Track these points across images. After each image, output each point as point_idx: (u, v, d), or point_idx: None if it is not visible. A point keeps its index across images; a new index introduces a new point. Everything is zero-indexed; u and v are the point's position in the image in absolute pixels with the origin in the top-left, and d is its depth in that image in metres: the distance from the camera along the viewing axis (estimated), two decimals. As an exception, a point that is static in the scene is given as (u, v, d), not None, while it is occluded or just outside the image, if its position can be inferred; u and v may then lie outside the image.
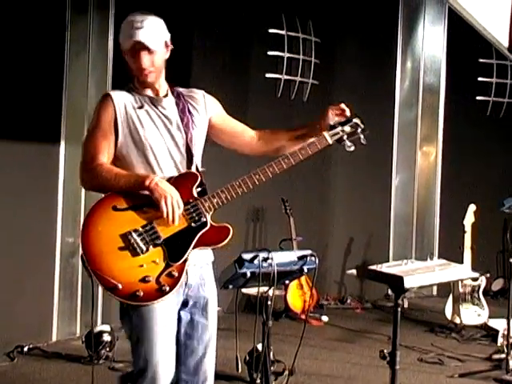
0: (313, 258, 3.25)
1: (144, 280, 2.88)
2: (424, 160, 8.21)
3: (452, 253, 6.11)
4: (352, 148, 3.26)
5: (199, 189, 3.04)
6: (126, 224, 2.93)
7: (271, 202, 7.24)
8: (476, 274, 4.70)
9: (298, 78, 7.53)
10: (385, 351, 3.49)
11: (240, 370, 4.72)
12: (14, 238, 5.45)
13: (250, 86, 7.21)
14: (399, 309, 3.52)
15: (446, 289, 6.64)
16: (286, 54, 7.41)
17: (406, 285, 3.39)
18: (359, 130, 3.26)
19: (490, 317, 6.39)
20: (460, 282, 6.27)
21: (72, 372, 5.12)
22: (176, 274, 2.92)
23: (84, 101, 5.89)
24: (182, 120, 3.12)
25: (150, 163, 3.05)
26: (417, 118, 8.14)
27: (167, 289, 2.89)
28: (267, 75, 7.36)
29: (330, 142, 3.20)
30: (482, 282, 6.43)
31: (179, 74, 6.57)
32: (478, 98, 8.29)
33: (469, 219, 6.40)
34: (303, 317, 6.73)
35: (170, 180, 3.01)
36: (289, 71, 7.46)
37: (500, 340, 5.82)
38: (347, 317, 7.17)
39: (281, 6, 7.37)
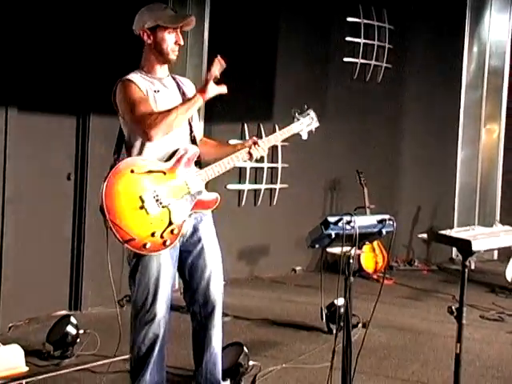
0: (391, 222, 3.20)
1: (152, 235, 3.10)
2: (488, 137, 8.09)
3: (512, 222, 6.03)
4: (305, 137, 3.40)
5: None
6: (142, 187, 3.10)
7: (346, 174, 7.25)
8: (538, 239, 4.61)
9: (373, 62, 7.49)
10: (452, 307, 3.46)
11: (324, 320, 4.83)
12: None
13: (329, 69, 7.19)
14: (466, 269, 3.49)
15: (506, 254, 6.56)
16: (363, 40, 7.38)
17: (474, 248, 3.36)
18: (313, 122, 3.42)
19: (548, 280, 6.30)
20: (521, 248, 6.18)
21: (173, 319, 5.22)
22: (176, 231, 3.17)
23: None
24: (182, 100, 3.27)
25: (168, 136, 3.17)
26: (482, 98, 8.04)
27: (168, 242, 3.15)
28: (345, 59, 7.36)
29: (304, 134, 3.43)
30: (541, 247, 6.30)
31: (266, 59, 6.63)
32: (539, 80, 8.09)
33: (529, 191, 6.28)
34: (375, 276, 6.76)
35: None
36: (364, 56, 7.44)
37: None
38: (415, 277, 7.14)
39: (358, -4, 7.35)
